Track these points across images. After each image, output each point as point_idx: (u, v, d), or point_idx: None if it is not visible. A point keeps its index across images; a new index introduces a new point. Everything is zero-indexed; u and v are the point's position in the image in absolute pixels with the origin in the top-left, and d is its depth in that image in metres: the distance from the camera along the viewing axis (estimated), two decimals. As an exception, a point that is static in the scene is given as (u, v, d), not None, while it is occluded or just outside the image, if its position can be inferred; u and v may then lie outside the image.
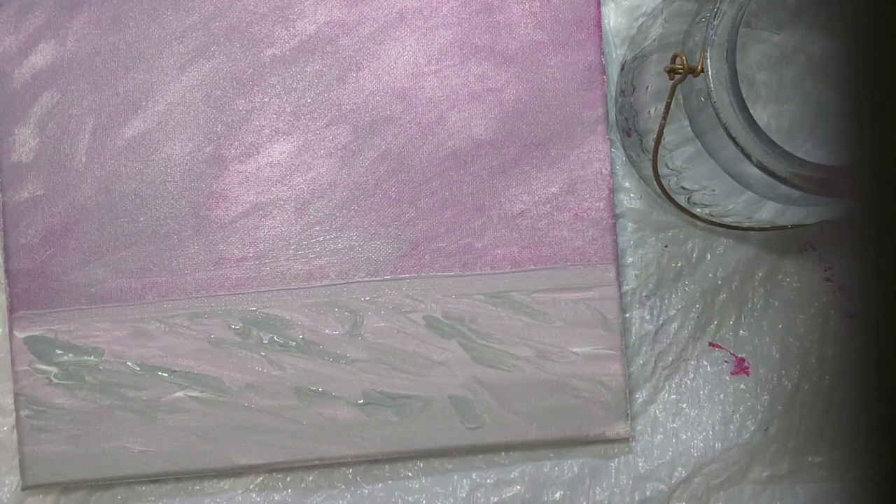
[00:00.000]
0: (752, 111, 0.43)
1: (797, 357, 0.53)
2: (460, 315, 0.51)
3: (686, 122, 0.45)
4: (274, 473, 0.52)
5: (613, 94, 0.52)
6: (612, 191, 0.51)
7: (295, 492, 0.52)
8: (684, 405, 0.53)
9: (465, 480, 0.52)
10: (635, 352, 0.53)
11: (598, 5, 0.51)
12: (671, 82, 0.43)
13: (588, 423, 0.51)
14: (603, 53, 0.51)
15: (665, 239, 0.53)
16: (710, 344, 0.53)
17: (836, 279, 0.53)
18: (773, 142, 0.42)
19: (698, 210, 0.48)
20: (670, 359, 0.53)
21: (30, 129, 0.51)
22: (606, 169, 0.51)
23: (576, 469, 0.52)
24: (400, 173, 0.51)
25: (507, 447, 0.52)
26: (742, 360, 0.53)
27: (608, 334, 0.51)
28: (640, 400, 0.53)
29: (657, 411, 0.53)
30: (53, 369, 0.51)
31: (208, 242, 0.51)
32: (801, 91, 0.52)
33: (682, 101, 0.45)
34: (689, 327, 0.53)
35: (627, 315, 0.53)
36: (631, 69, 0.49)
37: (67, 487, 0.52)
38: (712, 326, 0.53)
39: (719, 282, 0.53)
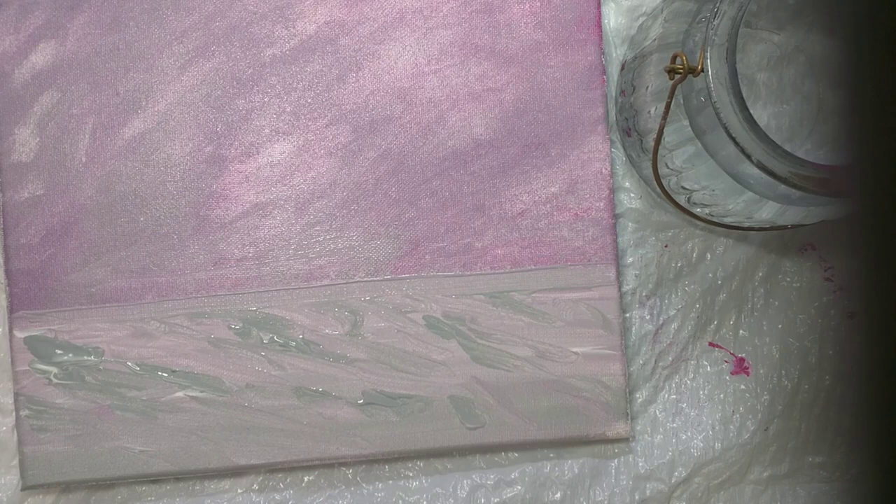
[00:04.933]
0: (752, 111, 0.43)
1: (797, 357, 0.53)
2: (460, 315, 0.51)
3: (686, 122, 0.45)
4: (274, 473, 0.52)
5: (613, 94, 0.52)
6: (612, 191, 0.51)
7: (295, 492, 0.52)
8: (684, 405, 0.53)
9: (465, 480, 0.52)
10: (635, 352, 0.53)
11: (598, 5, 0.51)
12: (671, 82, 0.43)
13: (588, 423, 0.51)
14: (603, 53, 0.51)
15: (665, 239, 0.53)
16: (710, 344, 0.53)
17: (836, 279, 0.53)
18: (773, 142, 0.42)
19: (698, 210, 0.48)
20: (670, 359, 0.53)
21: (30, 129, 0.51)
22: (606, 169, 0.51)
23: (576, 469, 0.52)
24: (400, 173, 0.51)
25: (507, 447, 0.52)
26: (742, 360, 0.53)
27: (608, 334, 0.51)
28: (640, 400, 0.53)
29: (657, 411, 0.53)
30: (53, 369, 0.51)
31: (208, 242, 0.51)
32: (801, 91, 0.52)
33: (682, 101, 0.45)
34: (689, 327, 0.53)
35: (627, 315, 0.53)
36: (631, 69, 0.49)
37: (67, 487, 0.52)
38: (712, 326, 0.53)
39: (719, 282, 0.53)
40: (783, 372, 0.53)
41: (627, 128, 0.50)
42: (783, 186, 0.42)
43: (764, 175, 0.42)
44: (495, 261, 0.51)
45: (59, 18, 0.51)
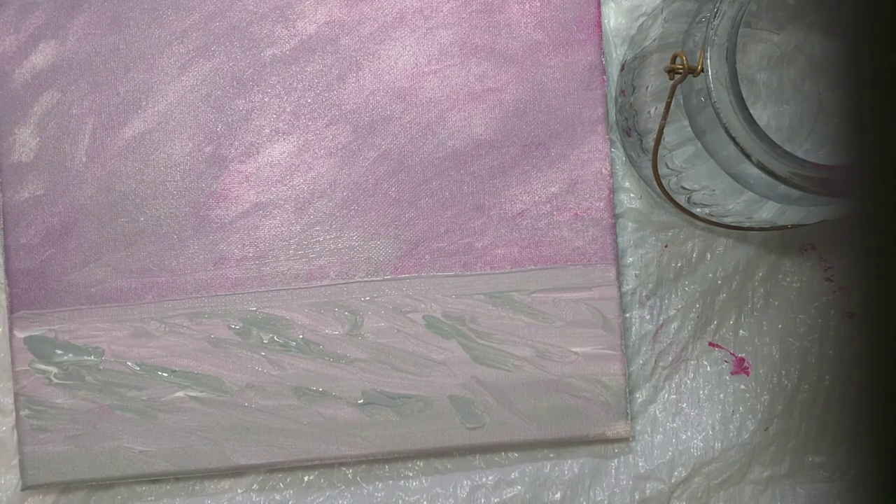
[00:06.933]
0: (752, 111, 0.43)
1: (797, 357, 0.53)
2: (460, 315, 0.51)
3: (686, 122, 0.45)
4: (274, 473, 0.52)
5: (613, 94, 0.52)
6: (612, 191, 0.51)
7: (295, 492, 0.52)
8: (684, 405, 0.53)
9: (465, 480, 0.52)
10: (635, 352, 0.53)
11: (598, 5, 0.51)
12: (671, 82, 0.43)
13: (588, 423, 0.51)
14: (603, 53, 0.51)
15: (665, 239, 0.53)
16: (710, 344, 0.53)
17: (836, 279, 0.53)
18: (773, 142, 0.42)
19: (698, 210, 0.48)
20: (670, 359, 0.53)
21: (30, 129, 0.51)
22: (606, 169, 0.51)
23: (576, 469, 0.52)
24: (400, 173, 0.51)
25: (507, 447, 0.52)
26: (742, 359, 0.53)
27: (608, 334, 0.51)
28: (640, 400, 0.53)
29: (657, 411, 0.53)
30: (53, 369, 0.51)
31: (208, 242, 0.51)
32: (801, 91, 0.52)
33: (682, 101, 0.45)
34: (689, 327, 0.53)
35: (627, 315, 0.53)
36: (631, 69, 0.49)
37: (67, 487, 0.52)
38: (712, 326, 0.53)
39: (719, 282, 0.53)
40: (783, 372, 0.53)
41: (627, 128, 0.50)
42: (783, 186, 0.42)
43: (764, 175, 0.42)
44: (495, 261, 0.51)
45: (59, 18, 0.51)
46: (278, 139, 0.51)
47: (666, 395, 0.53)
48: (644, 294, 0.53)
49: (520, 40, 0.51)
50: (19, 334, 0.51)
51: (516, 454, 0.52)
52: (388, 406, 0.51)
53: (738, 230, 0.51)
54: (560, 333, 0.51)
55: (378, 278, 0.51)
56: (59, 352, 0.51)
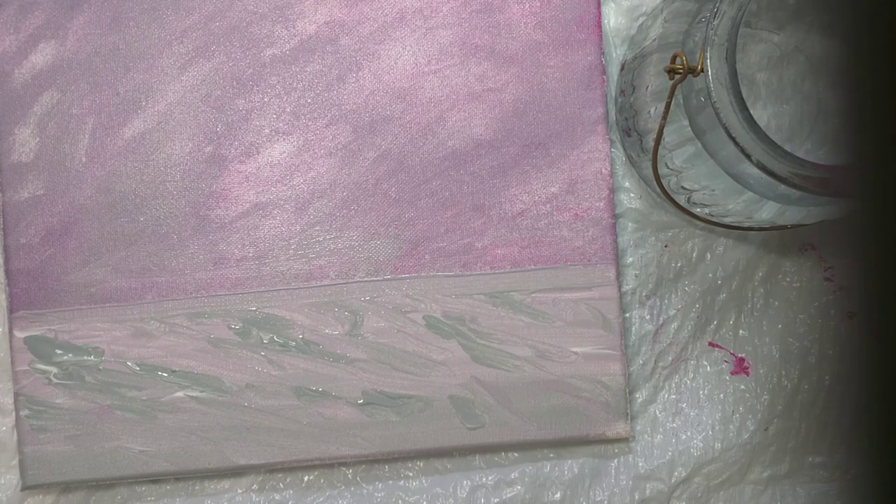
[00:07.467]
0: (752, 111, 0.43)
1: (797, 357, 0.53)
2: (460, 315, 0.51)
3: (686, 122, 0.45)
4: (274, 473, 0.52)
5: (613, 94, 0.52)
6: (612, 191, 0.51)
7: (295, 492, 0.52)
8: (684, 405, 0.53)
9: (465, 480, 0.52)
10: (635, 352, 0.53)
11: (598, 5, 0.51)
12: (671, 82, 0.43)
13: (588, 423, 0.51)
14: (603, 53, 0.51)
15: (665, 239, 0.53)
16: (710, 344, 0.53)
17: (836, 279, 0.53)
18: (773, 142, 0.42)
19: (698, 210, 0.48)
20: (670, 359, 0.53)
21: (30, 129, 0.51)
22: (606, 169, 0.51)
23: (576, 469, 0.52)
24: (400, 173, 0.51)
25: (507, 447, 0.52)
26: (742, 359, 0.53)
27: (608, 334, 0.51)
28: (640, 400, 0.53)
29: (657, 411, 0.53)
30: (53, 369, 0.51)
31: (208, 242, 0.51)
32: (801, 91, 0.52)
33: (682, 101, 0.45)
34: (689, 327, 0.53)
35: (627, 315, 0.53)
36: (631, 69, 0.49)
37: (67, 487, 0.52)
38: (712, 326, 0.53)
39: (719, 282, 0.53)
40: (783, 372, 0.53)
41: (627, 128, 0.50)
42: (783, 186, 0.42)
43: (764, 175, 0.42)
44: (495, 261, 0.51)
45: (59, 18, 0.51)
46: (278, 139, 0.51)
47: (666, 395, 0.53)
48: (644, 294, 0.53)
49: (520, 40, 0.51)
50: (19, 334, 0.51)
51: (516, 454, 0.52)
52: (388, 406, 0.51)
53: (738, 230, 0.51)
54: (560, 333, 0.51)
55: (378, 278, 0.51)
56: (58, 352, 0.51)
